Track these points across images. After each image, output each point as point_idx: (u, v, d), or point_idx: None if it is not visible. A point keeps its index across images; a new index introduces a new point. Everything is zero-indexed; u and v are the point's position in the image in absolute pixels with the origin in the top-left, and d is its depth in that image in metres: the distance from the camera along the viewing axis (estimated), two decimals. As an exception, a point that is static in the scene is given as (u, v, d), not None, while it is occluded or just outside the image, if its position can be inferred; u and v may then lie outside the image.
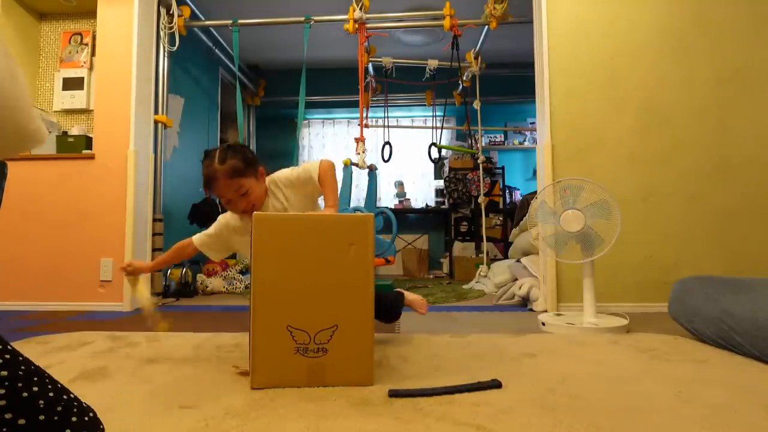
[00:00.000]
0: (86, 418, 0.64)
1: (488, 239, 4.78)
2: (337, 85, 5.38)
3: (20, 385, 0.59)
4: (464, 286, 3.79)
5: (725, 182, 2.53)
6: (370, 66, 4.46)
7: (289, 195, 1.45)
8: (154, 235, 3.01)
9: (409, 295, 1.74)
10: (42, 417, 0.59)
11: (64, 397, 0.64)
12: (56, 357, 1.53)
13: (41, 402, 0.60)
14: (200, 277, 3.52)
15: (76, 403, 0.64)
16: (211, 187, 1.37)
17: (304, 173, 1.43)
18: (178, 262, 1.55)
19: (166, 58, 3.28)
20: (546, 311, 2.46)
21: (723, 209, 2.52)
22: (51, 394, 0.62)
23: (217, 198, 1.45)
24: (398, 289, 1.76)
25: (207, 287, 3.48)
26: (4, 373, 0.59)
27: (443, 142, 5.14)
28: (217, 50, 4.41)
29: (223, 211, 1.55)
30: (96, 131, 2.81)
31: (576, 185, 2.04)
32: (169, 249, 1.58)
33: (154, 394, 1.16)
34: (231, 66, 4.77)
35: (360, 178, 5.16)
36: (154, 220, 3.03)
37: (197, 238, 1.53)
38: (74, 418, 0.62)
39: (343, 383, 1.20)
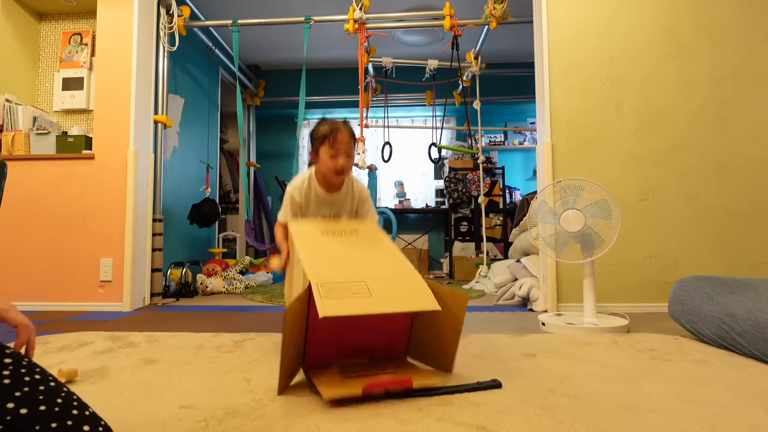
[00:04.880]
0: (87, 413, 0.65)
1: (488, 239, 4.79)
2: (337, 85, 5.38)
3: (23, 372, 0.60)
4: (464, 287, 3.79)
5: (725, 182, 2.53)
6: (370, 66, 4.46)
7: (353, 201, 1.70)
8: (154, 235, 3.01)
9: None
10: (43, 407, 0.60)
11: (64, 390, 0.64)
12: (56, 357, 1.53)
13: (41, 393, 0.61)
14: (200, 277, 3.53)
15: (75, 398, 0.65)
16: (332, 137, 1.57)
17: (370, 208, 1.72)
18: None
19: (166, 58, 3.28)
20: (546, 311, 2.46)
21: (723, 209, 2.52)
22: (52, 385, 0.63)
23: (329, 146, 1.58)
24: None
25: (207, 287, 3.48)
26: (27, 379, 0.60)
27: (443, 142, 5.15)
28: (217, 50, 4.41)
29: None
30: (96, 131, 2.81)
31: (576, 185, 2.04)
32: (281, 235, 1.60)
33: (155, 394, 1.16)
34: (231, 66, 4.78)
35: (360, 178, 5.16)
36: (154, 220, 3.03)
37: (289, 219, 1.60)
38: (75, 411, 0.63)
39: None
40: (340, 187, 1.65)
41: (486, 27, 3.56)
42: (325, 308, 1.06)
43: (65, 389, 0.65)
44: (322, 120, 1.63)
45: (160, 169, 3.18)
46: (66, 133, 2.92)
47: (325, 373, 1.21)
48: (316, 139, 1.61)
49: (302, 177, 1.65)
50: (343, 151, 1.57)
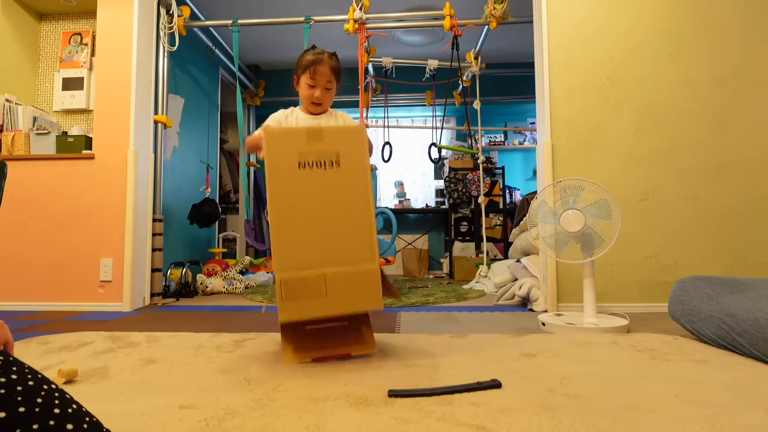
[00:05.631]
0: (70, 410, 0.62)
1: (488, 239, 4.79)
2: (337, 85, 5.37)
3: (19, 390, 0.59)
4: (464, 287, 3.79)
5: (725, 182, 2.53)
6: (370, 66, 4.46)
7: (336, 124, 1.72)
8: (154, 235, 3.01)
9: None
10: (22, 409, 0.58)
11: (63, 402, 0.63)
12: (56, 357, 1.53)
13: (20, 394, 0.59)
14: (200, 277, 3.53)
15: (57, 395, 0.63)
16: (313, 68, 1.62)
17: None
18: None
19: (166, 58, 3.28)
20: (546, 311, 2.46)
21: (723, 209, 2.52)
22: (30, 384, 0.61)
23: (308, 77, 1.64)
24: None
25: (207, 287, 3.48)
26: (3, 380, 0.59)
27: (443, 142, 5.15)
28: (217, 50, 4.41)
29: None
30: (96, 131, 2.81)
31: (576, 185, 2.04)
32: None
33: (155, 394, 1.16)
34: (231, 66, 4.78)
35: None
36: (154, 220, 3.03)
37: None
38: (57, 410, 0.61)
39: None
40: (323, 112, 1.70)
41: (486, 27, 3.56)
42: (284, 313, 1.31)
43: (45, 386, 0.63)
44: (311, 48, 1.67)
45: (160, 169, 3.18)
46: (66, 133, 2.92)
47: (295, 340, 1.44)
48: (299, 67, 1.65)
49: (287, 109, 1.73)
50: (321, 84, 1.63)
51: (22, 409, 0.58)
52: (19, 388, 0.59)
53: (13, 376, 0.60)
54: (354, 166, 1.41)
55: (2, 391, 0.58)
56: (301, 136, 1.40)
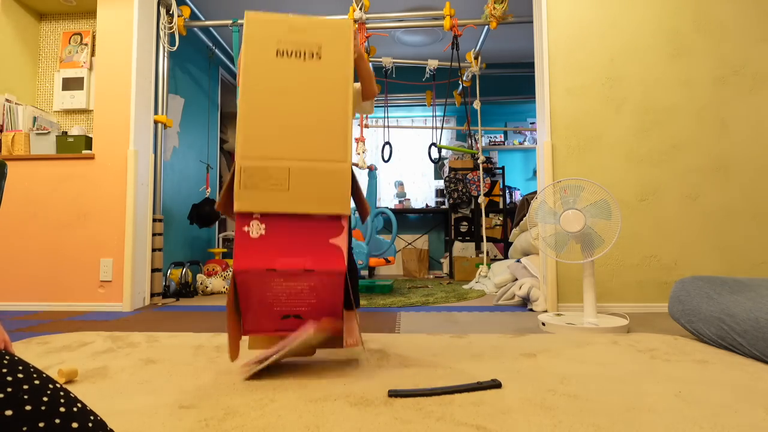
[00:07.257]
0: (75, 409, 0.63)
1: (488, 239, 4.79)
2: (337, 85, 5.37)
3: (25, 388, 0.60)
4: (464, 287, 3.79)
5: (725, 182, 2.53)
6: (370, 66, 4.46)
7: None
8: (154, 235, 3.01)
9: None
10: (29, 407, 0.59)
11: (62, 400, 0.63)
12: (56, 357, 1.53)
13: (26, 393, 0.60)
14: (200, 277, 3.53)
15: (62, 394, 0.64)
16: None
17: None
18: None
19: (166, 58, 3.28)
20: (546, 311, 2.46)
21: (723, 209, 2.52)
22: (36, 383, 0.62)
23: None
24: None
25: (207, 287, 3.48)
26: (9, 378, 0.59)
27: (443, 142, 5.15)
28: (217, 50, 4.41)
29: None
30: (96, 131, 2.81)
31: (576, 185, 2.04)
32: None
33: (155, 394, 1.16)
34: (231, 66, 4.78)
35: (360, 178, 5.16)
36: (154, 220, 3.03)
37: None
38: (62, 408, 0.62)
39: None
40: None
41: (486, 27, 3.56)
42: (240, 201, 1.21)
43: (51, 385, 0.64)
44: None
45: (160, 169, 3.18)
46: (66, 133, 2.91)
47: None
48: None
49: None
50: None
51: (28, 408, 0.58)
52: (25, 386, 0.60)
53: (20, 375, 0.61)
54: (336, 62, 1.30)
55: (9, 389, 0.59)
56: (282, 24, 1.30)
